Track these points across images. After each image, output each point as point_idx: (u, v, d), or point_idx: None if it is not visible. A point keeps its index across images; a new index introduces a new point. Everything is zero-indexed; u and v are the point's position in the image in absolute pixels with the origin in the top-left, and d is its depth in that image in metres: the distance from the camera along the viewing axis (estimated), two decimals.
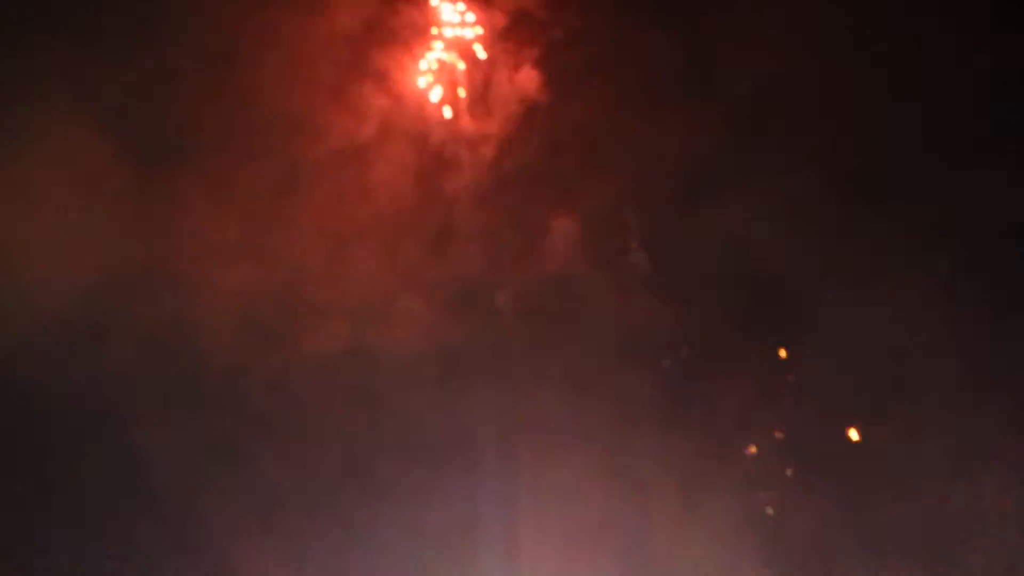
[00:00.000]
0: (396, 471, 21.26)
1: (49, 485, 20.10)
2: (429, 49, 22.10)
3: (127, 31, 20.56)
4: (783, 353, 21.75)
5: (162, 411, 20.66)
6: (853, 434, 21.06)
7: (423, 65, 22.18)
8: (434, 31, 22.09)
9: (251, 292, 21.10)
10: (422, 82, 22.32)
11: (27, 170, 19.93)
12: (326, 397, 21.40)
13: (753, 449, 21.35)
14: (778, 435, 21.26)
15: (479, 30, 22.02)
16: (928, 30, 21.17)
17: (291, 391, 21.15)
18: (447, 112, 22.03)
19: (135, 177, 20.59)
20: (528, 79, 21.83)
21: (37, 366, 19.90)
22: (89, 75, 20.15)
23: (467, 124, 22.11)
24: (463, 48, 22.14)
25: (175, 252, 20.87)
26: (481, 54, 21.99)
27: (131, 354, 20.52)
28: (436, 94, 22.09)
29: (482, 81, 22.14)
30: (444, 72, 22.15)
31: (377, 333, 21.79)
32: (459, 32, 22.14)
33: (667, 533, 20.90)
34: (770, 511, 21.21)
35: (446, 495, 21.30)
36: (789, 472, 21.36)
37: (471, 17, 21.98)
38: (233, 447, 20.73)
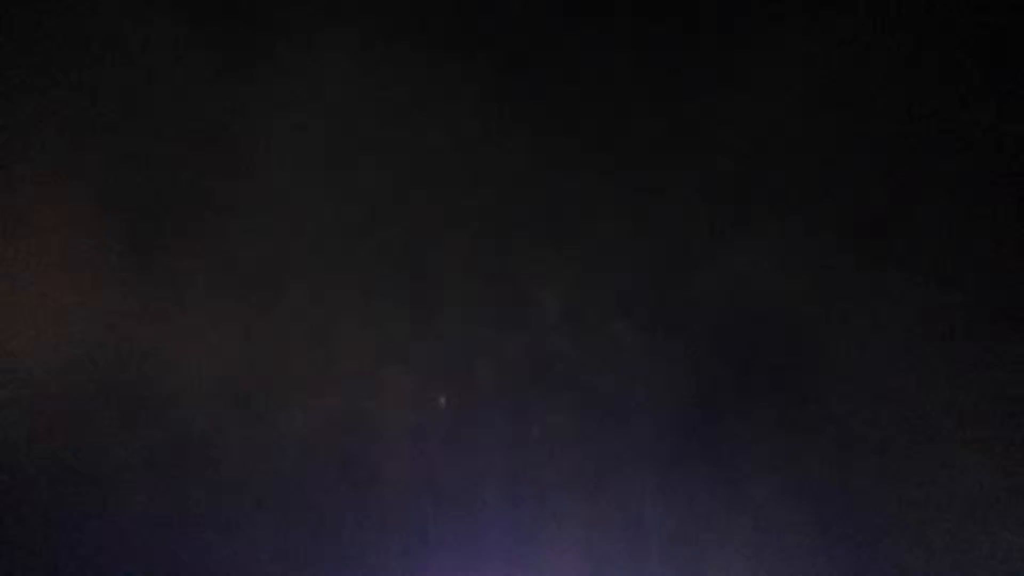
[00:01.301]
0: (380, 541, 21.27)
1: (25, 550, 20.44)
2: None
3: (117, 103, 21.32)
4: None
5: (141, 479, 20.93)
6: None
7: None
8: None
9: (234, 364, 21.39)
10: None
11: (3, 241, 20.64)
12: (309, 467, 21.48)
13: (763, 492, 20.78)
14: (789, 477, 20.62)
15: None
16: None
17: (273, 461, 21.29)
18: None
19: (118, 250, 21.15)
20: None
21: (13, 434, 20.43)
22: (76, 145, 20.90)
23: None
24: None
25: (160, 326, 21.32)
26: None
27: (112, 424, 20.91)
28: None
29: None
30: None
31: (362, 403, 21.97)
32: None
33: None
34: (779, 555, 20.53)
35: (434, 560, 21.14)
36: (800, 516, 20.64)
37: None
38: (213, 516, 20.85)
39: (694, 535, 20.87)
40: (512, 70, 21.50)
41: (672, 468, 21.60)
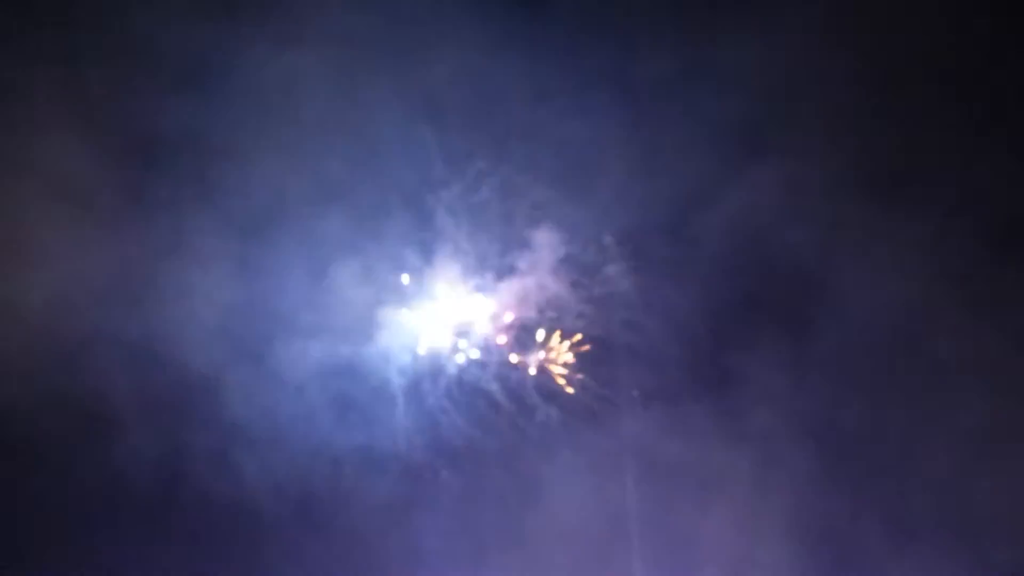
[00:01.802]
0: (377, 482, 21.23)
1: (27, 487, 20.33)
2: None
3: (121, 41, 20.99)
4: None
5: (141, 419, 20.72)
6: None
7: None
8: None
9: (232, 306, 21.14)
10: None
11: (12, 181, 20.34)
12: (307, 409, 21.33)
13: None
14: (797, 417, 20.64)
15: None
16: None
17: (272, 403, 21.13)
18: None
19: (121, 188, 20.85)
20: None
21: (20, 374, 20.16)
22: (83, 82, 20.60)
23: None
24: None
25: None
26: None
27: (111, 365, 20.66)
28: None
29: None
30: None
31: (360, 347, 21.83)
32: None
33: (684, 517, 20.79)
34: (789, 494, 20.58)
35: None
36: (802, 449, 20.67)
37: None
38: (212, 455, 20.69)
39: (698, 467, 20.97)
40: (517, 4, 21.35)
41: (677, 401, 21.68)
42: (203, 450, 20.68)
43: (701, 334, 21.07)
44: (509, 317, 22.63)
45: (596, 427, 21.95)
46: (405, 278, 22.04)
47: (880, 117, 20.99)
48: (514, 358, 22.64)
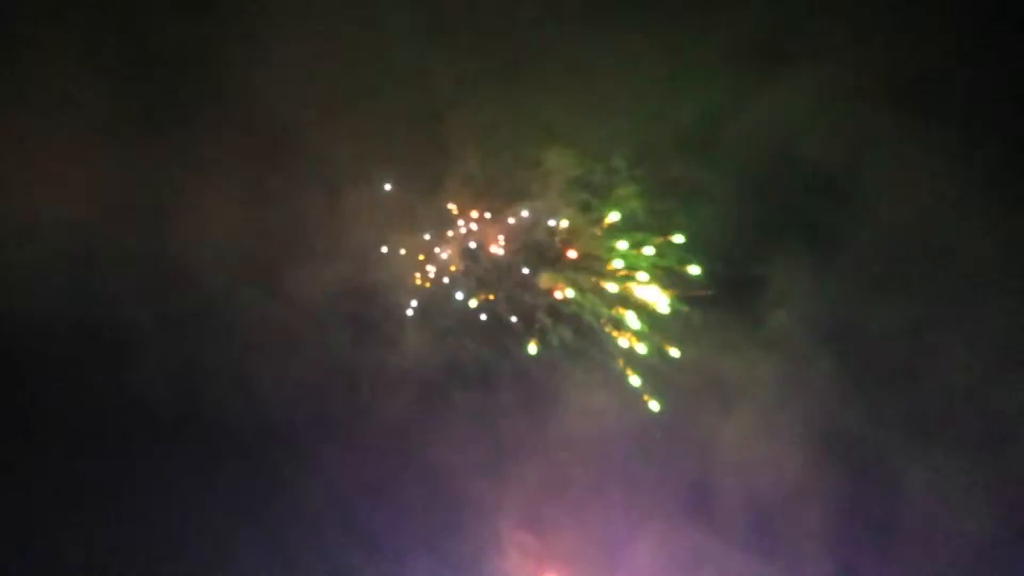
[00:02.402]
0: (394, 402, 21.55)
1: (46, 407, 20.63)
2: None
3: None
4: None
5: (158, 340, 20.97)
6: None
7: None
8: None
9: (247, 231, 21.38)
10: None
11: (31, 104, 20.53)
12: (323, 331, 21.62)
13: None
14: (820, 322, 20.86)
15: None
16: None
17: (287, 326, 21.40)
18: None
19: (139, 114, 21.02)
20: None
21: (35, 297, 20.38)
22: (95, 11, 20.75)
23: None
24: None
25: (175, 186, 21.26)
26: None
27: (129, 287, 20.90)
28: None
29: None
30: None
31: (373, 273, 22.10)
32: None
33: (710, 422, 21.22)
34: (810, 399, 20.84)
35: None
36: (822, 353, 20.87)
37: None
38: (226, 373, 20.95)
39: (719, 366, 21.27)
40: None
41: (700, 304, 21.95)
42: (219, 368, 20.97)
43: (724, 247, 21.33)
44: (519, 240, 22.93)
45: (609, 344, 22.31)
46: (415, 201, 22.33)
47: (908, 23, 20.96)
48: (524, 280, 22.97)
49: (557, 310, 23.10)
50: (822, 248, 20.91)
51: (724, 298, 21.48)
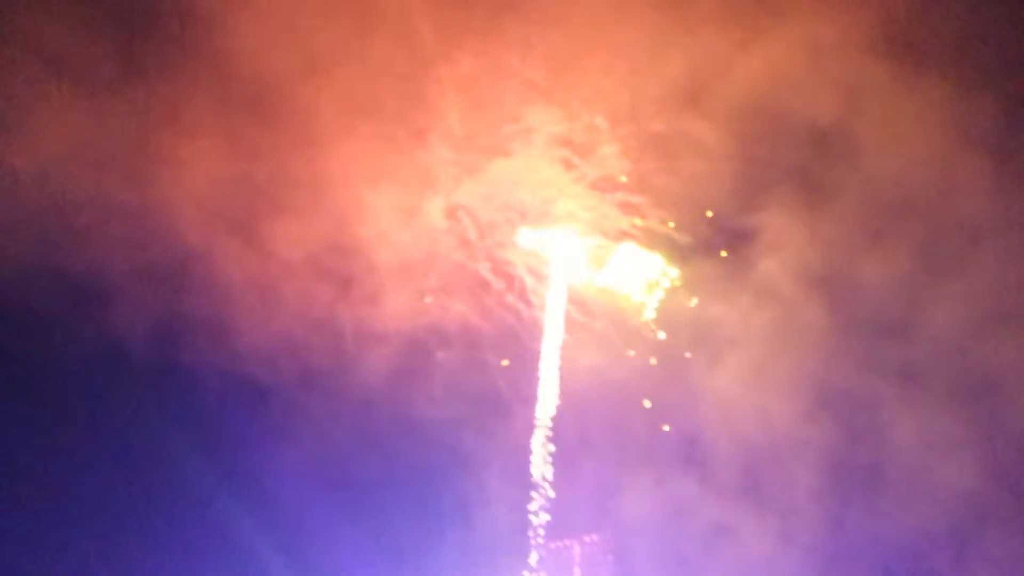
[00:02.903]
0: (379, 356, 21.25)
1: (26, 360, 20.00)
2: None
3: None
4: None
5: (139, 295, 20.39)
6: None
7: None
8: None
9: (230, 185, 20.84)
10: None
11: (6, 53, 19.74)
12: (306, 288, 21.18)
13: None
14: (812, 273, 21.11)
15: None
16: None
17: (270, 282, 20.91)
18: None
19: (118, 62, 20.33)
20: None
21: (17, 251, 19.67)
22: None
23: None
24: None
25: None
26: None
27: (110, 241, 20.29)
28: None
29: None
30: None
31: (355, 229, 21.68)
32: None
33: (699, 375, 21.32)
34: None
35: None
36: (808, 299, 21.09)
37: None
38: (207, 330, 20.42)
39: (707, 314, 21.36)
40: None
41: (688, 255, 22.00)
42: (200, 319, 20.42)
43: (713, 202, 21.36)
44: (502, 197, 22.65)
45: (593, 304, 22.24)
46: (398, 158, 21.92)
47: None
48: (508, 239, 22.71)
49: (538, 270, 23.05)
50: (813, 201, 21.14)
51: (712, 252, 21.62)
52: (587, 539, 22.39)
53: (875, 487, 21.08)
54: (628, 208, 23.07)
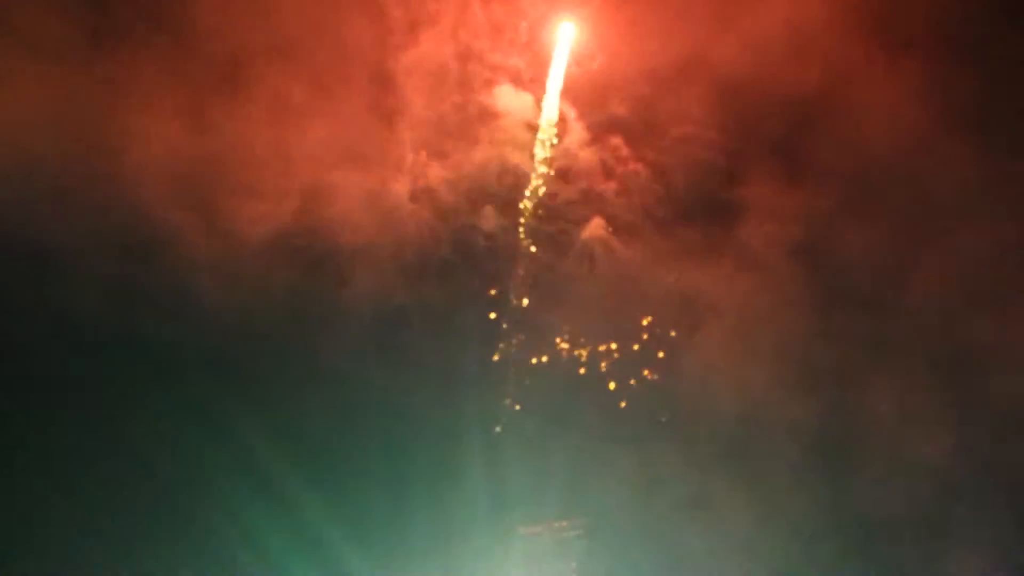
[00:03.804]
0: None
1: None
2: None
3: None
4: None
5: (98, 264, 20.96)
6: None
7: None
8: None
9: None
10: None
11: None
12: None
13: None
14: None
15: None
16: None
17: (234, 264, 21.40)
18: None
19: (78, 31, 21.17)
20: None
21: None
22: None
23: None
24: None
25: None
26: None
27: (69, 212, 20.99)
28: None
29: None
30: None
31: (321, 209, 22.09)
32: None
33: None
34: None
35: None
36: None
37: None
38: (170, 302, 20.96)
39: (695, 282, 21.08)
40: None
41: (674, 228, 21.80)
42: (162, 294, 20.96)
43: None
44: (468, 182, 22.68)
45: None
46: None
47: None
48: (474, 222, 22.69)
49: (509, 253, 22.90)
50: (796, 174, 20.92)
51: (692, 223, 21.40)
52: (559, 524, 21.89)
53: (848, 461, 20.96)
54: (593, 195, 22.95)
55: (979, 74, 20.89)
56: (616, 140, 22.17)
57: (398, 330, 21.89)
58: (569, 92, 22.26)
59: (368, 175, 22.00)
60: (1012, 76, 20.86)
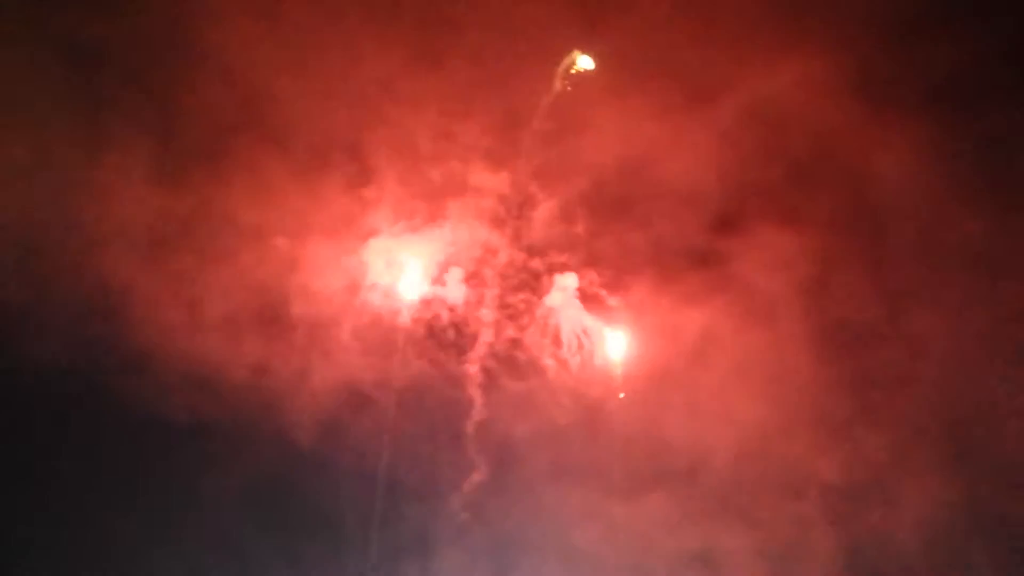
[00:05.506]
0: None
1: None
2: None
3: None
4: None
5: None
6: None
7: None
8: None
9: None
10: None
11: None
12: None
13: None
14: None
15: None
16: None
17: None
18: None
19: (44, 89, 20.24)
20: None
21: None
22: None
23: None
24: None
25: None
26: None
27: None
28: None
29: None
30: None
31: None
32: None
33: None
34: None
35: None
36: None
37: None
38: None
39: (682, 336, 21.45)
40: None
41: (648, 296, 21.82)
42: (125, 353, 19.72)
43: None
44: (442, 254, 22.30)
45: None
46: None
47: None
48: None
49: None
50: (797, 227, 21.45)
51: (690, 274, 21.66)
52: None
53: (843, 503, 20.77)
54: (561, 268, 23.02)
55: (992, 136, 21.48)
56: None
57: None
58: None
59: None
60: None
